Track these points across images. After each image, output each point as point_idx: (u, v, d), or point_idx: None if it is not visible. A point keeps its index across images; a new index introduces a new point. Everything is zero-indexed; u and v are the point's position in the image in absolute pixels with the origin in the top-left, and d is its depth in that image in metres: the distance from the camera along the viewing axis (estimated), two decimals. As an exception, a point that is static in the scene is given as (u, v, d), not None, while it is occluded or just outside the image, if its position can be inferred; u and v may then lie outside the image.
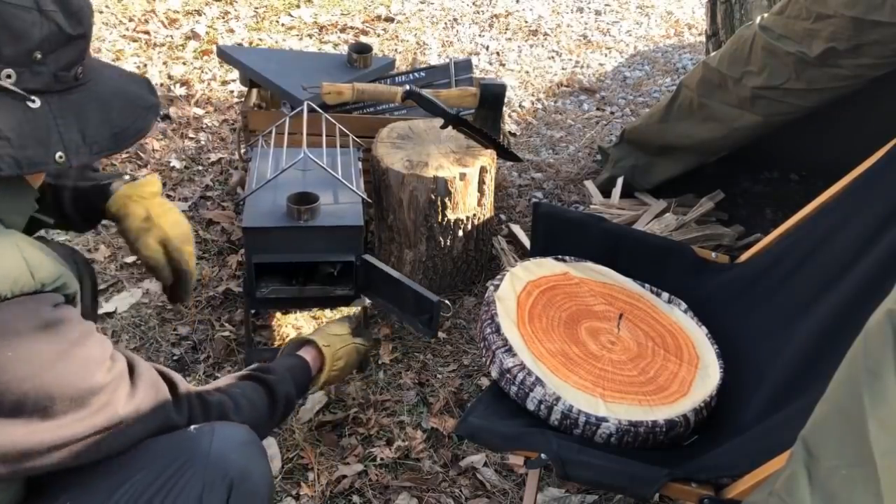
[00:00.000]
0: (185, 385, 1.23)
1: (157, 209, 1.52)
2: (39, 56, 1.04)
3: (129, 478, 1.14)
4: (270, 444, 1.84)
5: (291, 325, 2.20)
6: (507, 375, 1.51)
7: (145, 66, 3.38)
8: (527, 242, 2.45)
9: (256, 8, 3.95)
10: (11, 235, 1.04)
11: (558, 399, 1.45)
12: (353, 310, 2.15)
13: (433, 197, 2.12)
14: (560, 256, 1.83)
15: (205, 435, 1.19)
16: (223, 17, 3.85)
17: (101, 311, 2.21)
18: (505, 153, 2.25)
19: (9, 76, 1.03)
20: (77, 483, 1.16)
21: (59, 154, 1.07)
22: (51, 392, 1.01)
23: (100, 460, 1.12)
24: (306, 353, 1.58)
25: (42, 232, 1.43)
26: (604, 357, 1.61)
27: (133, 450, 1.15)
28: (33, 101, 1.05)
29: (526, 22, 4.08)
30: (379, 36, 3.82)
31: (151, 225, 1.52)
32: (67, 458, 1.07)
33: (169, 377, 1.22)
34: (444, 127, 2.14)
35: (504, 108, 2.33)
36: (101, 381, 1.07)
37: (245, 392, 1.35)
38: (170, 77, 3.32)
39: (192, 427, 1.21)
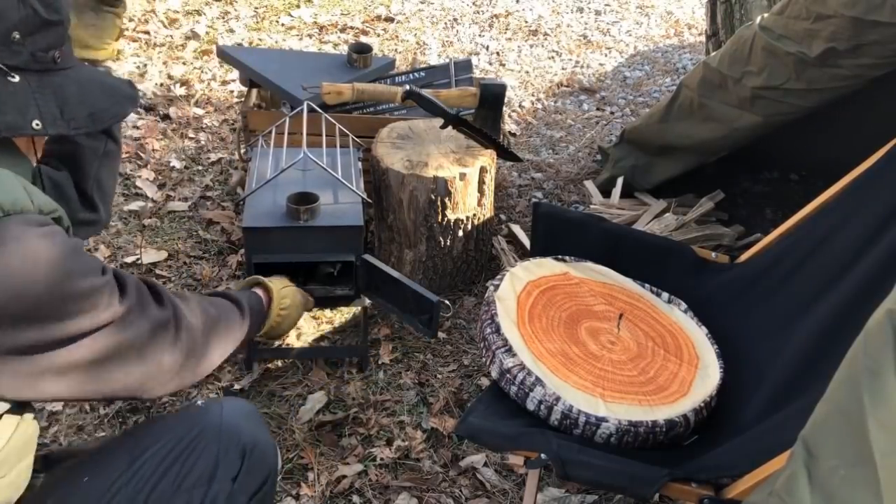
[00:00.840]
0: (162, 287, 1.30)
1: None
2: (18, 36, 1.15)
3: (147, 449, 1.23)
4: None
5: (291, 325, 2.20)
6: (507, 375, 1.51)
7: (145, 66, 3.38)
8: (527, 242, 2.45)
9: (256, 8, 3.95)
10: (11, 172, 1.12)
11: (558, 399, 1.45)
12: (354, 310, 2.16)
13: (433, 197, 2.12)
14: (560, 256, 1.83)
15: (214, 407, 1.30)
16: (223, 17, 3.84)
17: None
18: (505, 153, 2.25)
19: None
20: (95, 460, 1.25)
21: (35, 122, 1.17)
22: (60, 292, 1.08)
23: (119, 378, 1.18)
24: (259, 291, 1.66)
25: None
26: (604, 357, 1.61)
27: (148, 423, 1.27)
28: (13, 77, 1.15)
29: (526, 22, 4.08)
30: (379, 36, 3.82)
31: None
32: (82, 356, 1.13)
33: (148, 281, 1.28)
34: (444, 127, 2.14)
35: (504, 108, 2.33)
36: (99, 282, 1.13)
37: (216, 298, 1.47)
38: (170, 77, 3.32)
39: (201, 402, 1.32)
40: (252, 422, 1.33)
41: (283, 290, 1.71)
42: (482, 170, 2.17)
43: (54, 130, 1.19)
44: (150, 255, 2.38)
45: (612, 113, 3.37)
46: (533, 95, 3.48)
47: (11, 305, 1.04)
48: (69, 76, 1.24)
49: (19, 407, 1.12)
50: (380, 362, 2.11)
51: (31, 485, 1.20)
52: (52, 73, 1.21)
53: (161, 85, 3.27)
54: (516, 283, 1.69)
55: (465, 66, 2.63)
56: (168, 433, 1.25)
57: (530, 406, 1.49)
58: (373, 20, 3.95)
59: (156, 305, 1.25)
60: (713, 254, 1.93)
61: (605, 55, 3.85)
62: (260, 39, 3.69)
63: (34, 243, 1.06)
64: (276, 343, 2.13)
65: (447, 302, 1.81)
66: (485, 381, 2.06)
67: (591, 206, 2.65)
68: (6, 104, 1.15)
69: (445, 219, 2.17)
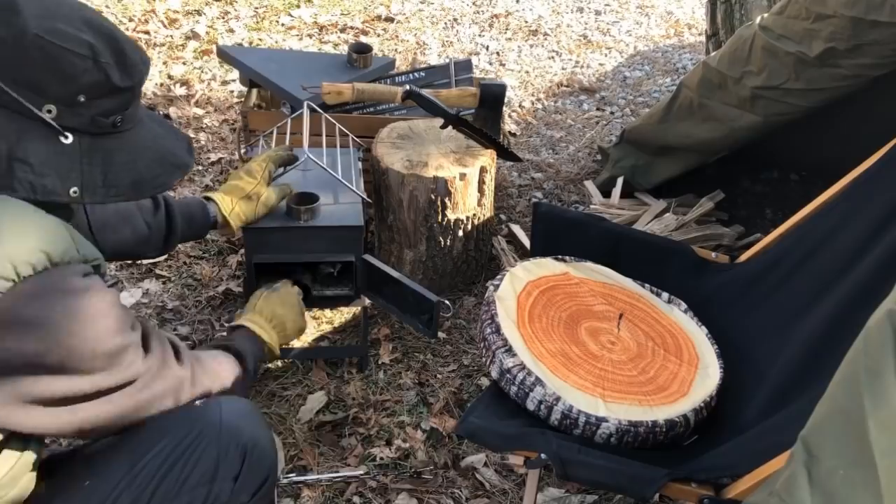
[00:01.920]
0: (182, 346, 1.35)
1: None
2: (83, 99, 1.13)
3: (147, 451, 1.24)
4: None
5: (291, 325, 2.20)
6: (507, 375, 1.51)
7: (145, 66, 3.38)
8: (527, 242, 2.45)
9: (256, 8, 3.95)
10: (60, 220, 1.14)
11: (558, 399, 1.45)
12: (354, 310, 2.16)
13: (433, 197, 2.12)
14: (560, 256, 1.83)
15: (213, 407, 1.30)
16: (223, 17, 3.84)
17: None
18: (505, 153, 2.25)
19: (49, 111, 1.11)
20: (96, 463, 1.26)
21: (73, 189, 1.15)
22: (93, 348, 1.11)
23: (124, 424, 1.22)
24: (241, 329, 1.68)
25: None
26: (604, 357, 1.61)
27: (148, 426, 1.25)
28: (66, 137, 1.13)
29: (526, 22, 4.08)
30: (379, 36, 3.82)
31: None
32: (104, 410, 1.17)
33: (171, 340, 1.33)
34: (444, 127, 2.14)
35: (504, 108, 2.33)
36: (125, 341, 1.16)
37: (220, 352, 1.50)
38: (170, 77, 3.33)
39: (199, 402, 1.31)
40: (251, 420, 1.33)
41: (256, 305, 1.72)
42: (482, 170, 2.17)
43: (91, 199, 1.18)
44: (150, 255, 2.38)
45: (612, 113, 3.37)
46: (533, 95, 3.48)
47: (46, 355, 1.07)
48: (125, 139, 1.21)
49: (19, 440, 1.15)
50: (380, 362, 2.11)
51: (33, 492, 1.20)
52: (107, 137, 1.19)
53: (161, 85, 3.27)
54: (516, 283, 1.69)
55: (465, 66, 2.63)
56: (168, 435, 1.25)
57: (530, 406, 1.49)
58: (373, 20, 3.95)
59: (177, 364, 1.30)
60: (713, 254, 1.93)
61: (605, 55, 3.85)
62: (260, 39, 3.69)
63: (76, 297, 1.10)
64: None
65: (447, 302, 1.81)
66: (485, 381, 2.06)
67: (591, 206, 2.65)
68: (50, 166, 1.12)
69: (445, 219, 2.17)
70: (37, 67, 1.09)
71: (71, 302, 1.09)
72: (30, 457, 1.17)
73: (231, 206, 1.78)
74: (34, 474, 1.19)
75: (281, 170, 1.93)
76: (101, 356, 1.13)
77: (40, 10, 1.10)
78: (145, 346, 1.23)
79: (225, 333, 1.75)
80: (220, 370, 1.44)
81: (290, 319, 1.74)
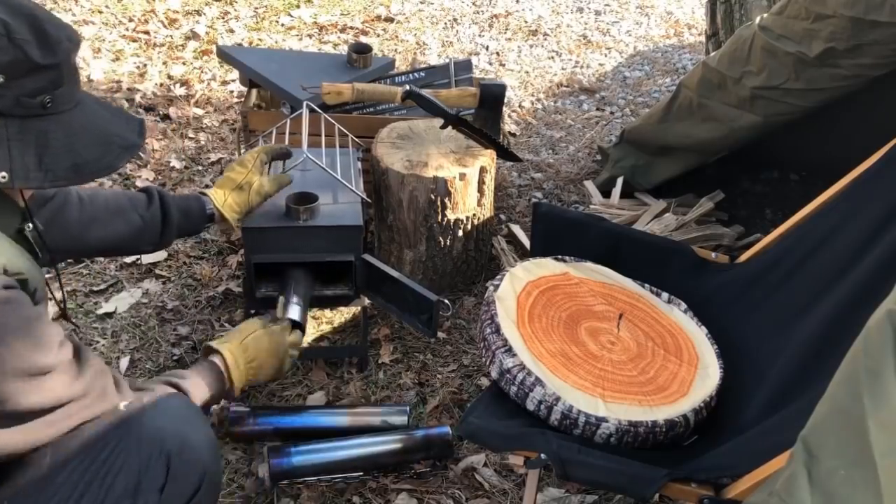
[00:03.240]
0: (119, 375, 1.27)
1: None
2: (2, 79, 1.08)
3: (64, 468, 1.16)
4: (270, 444, 1.84)
5: (291, 325, 2.20)
6: (507, 375, 1.51)
7: (145, 66, 3.38)
8: (527, 242, 2.45)
9: (256, 8, 3.95)
10: None
11: (558, 399, 1.45)
12: (354, 310, 2.15)
13: (433, 197, 2.12)
14: (560, 256, 1.83)
15: (135, 411, 1.21)
16: (223, 17, 3.85)
17: (100, 312, 2.21)
18: (505, 153, 2.25)
19: None
20: (12, 481, 1.17)
21: (2, 174, 1.10)
22: (10, 368, 1.04)
23: (45, 444, 1.14)
24: (215, 358, 1.56)
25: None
26: (604, 357, 1.61)
27: (62, 441, 1.17)
28: None
29: (526, 22, 4.08)
30: (379, 36, 3.82)
31: None
32: (18, 437, 1.10)
33: (112, 373, 1.25)
34: (443, 127, 2.14)
35: (504, 109, 2.33)
36: (48, 362, 1.10)
37: (162, 389, 1.37)
38: (170, 77, 3.33)
39: (122, 404, 1.22)
40: (180, 421, 1.23)
41: (245, 341, 1.60)
42: (482, 170, 2.17)
43: (23, 184, 1.12)
44: (149, 256, 2.38)
45: (611, 113, 3.37)
46: (533, 95, 3.48)
47: None
48: (61, 121, 1.16)
49: None
50: (380, 362, 2.11)
51: None
52: (39, 119, 1.13)
53: (161, 85, 3.27)
54: (516, 284, 1.69)
55: (464, 66, 2.63)
56: (87, 448, 1.17)
57: (530, 406, 1.49)
58: (373, 20, 3.95)
59: (115, 394, 1.23)
60: (713, 254, 1.92)
61: (605, 55, 3.85)
62: (260, 39, 3.69)
63: None
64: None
65: (447, 301, 1.81)
66: (485, 381, 2.06)
67: (591, 206, 2.65)
68: None
69: (445, 219, 2.17)
70: None
71: None
72: None
73: (224, 198, 1.76)
74: None
75: (280, 164, 1.93)
76: (16, 375, 1.06)
77: None
78: (80, 368, 1.16)
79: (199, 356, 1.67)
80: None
81: (268, 367, 1.64)
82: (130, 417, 1.20)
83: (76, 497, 1.15)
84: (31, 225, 1.27)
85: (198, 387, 1.44)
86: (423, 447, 1.82)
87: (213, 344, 1.58)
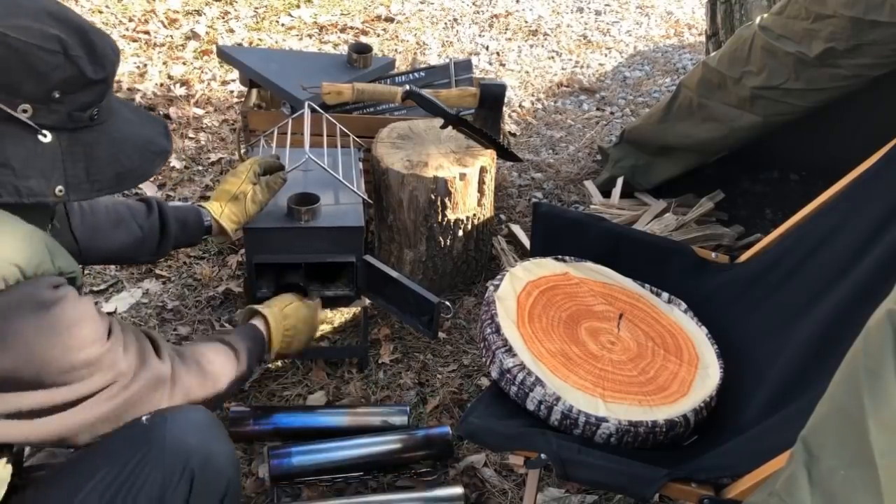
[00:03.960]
0: (163, 341, 1.33)
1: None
2: (57, 95, 1.10)
3: (90, 477, 1.18)
4: (270, 444, 1.85)
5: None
6: (507, 375, 1.51)
7: (145, 66, 3.38)
8: (527, 242, 2.45)
9: (256, 8, 3.95)
10: (37, 229, 1.12)
11: (558, 399, 1.45)
12: (354, 310, 2.15)
13: (433, 197, 2.12)
14: (560, 256, 1.83)
15: (158, 425, 1.22)
16: (223, 17, 3.85)
17: (101, 312, 2.21)
18: (505, 153, 2.25)
19: (25, 110, 1.09)
20: (36, 497, 1.20)
21: (59, 188, 1.13)
22: (70, 361, 1.10)
23: (106, 428, 1.19)
24: (257, 322, 1.69)
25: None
26: (604, 357, 1.61)
27: (90, 452, 1.20)
28: (45, 136, 1.11)
29: (526, 22, 4.08)
30: (379, 36, 3.82)
31: None
32: (84, 416, 1.15)
33: (150, 336, 1.31)
34: (444, 127, 2.14)
35: (504, 108, 2.33)
36: (101, 349, 1.14)
37: (211, 347, 1.46)
38: (170, 77, 3.33)
39: (144, 418, 1.24)
40: (203, 436, 1.25)
41: (285, 309, 1.73)
42: (482, 170, 2.17)
43: (77, 197, 1.15)
44: (150, 256, 2.38)
45: (612, 113, 3.37)
46: (533, 95, 3.48)
47: (22, 370, 1.06)
48: (104, 131, 1.18)
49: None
50: (380, 362, 2.11)
51: None
52: (86, 131, 1.16)
53: (161, 85, 3.27)
54: (516, 283, 1.69)
55: (465, 66, 2.63)
56: (109, 462, 1.19)
57: (530, 406, 1.49)
58: (373, 20, 3.95)
59: (157, 360, 1.27)
60: (713, 254, 1.93)
61: (605, 55, 3.85)
62: (260, 39, 3.69)
63: (47, 310, 1.07)
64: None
65: (447, 303, 1.81)
66: (485, 381, 2.06)
67: (591, 206, 2.65)
68: (32, 167, 1.10)
69: (445, 219, 2.17)
70: (7, 67, 1.06)
71: (43, 315, 1.07)
72: (4, 474, 1.16)
73: (220, 210, 1.77)
74: (0, 496, 1.17)
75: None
76: (76, 367, 1.11)
77: (2, 9, 1.07)
78: (125, 347, 1.20)
79: (237, 318, 1.72)
80: (211, 366, 1.41)
81: (303, 336, 1.76)
82: (154, 429, 1.22)
83: None
84: (55, 223, 1.31)
85: (244, 350, 1.53)
86: (423, 447, 1.82)
87: (258, 307, 1.69)
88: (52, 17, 1.11)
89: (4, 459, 1.16)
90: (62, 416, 1.13)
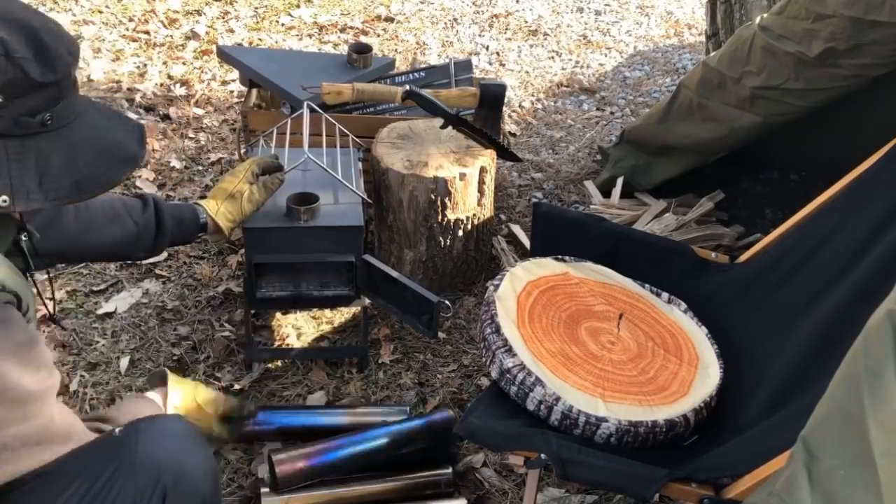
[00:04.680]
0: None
1: None
2: (0, 100, 1.04)
3: (63, 490, 1.12)
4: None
5: (291, 324, 2.20)
6: (507, 375, 1.51)
7: (145, 66, 3.38)
8: (527, 242, 2.45)
9: (256, 8, 3.95)
10: None
11: (558, 399, 1.45)
12: (354, 310, 2.15)
13: (433, 197, 2.12)
14: (560, 256, 1.83)
15: (129, 437, 1.16)
16: (223, 17, 3.84)
17: (101, 312, 2.21)
18: (505, 153, 2.25)
19: None
20: (12, 499, 1.12)
21: (2, 198, 1.06)
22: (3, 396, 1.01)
23: (24, 477, 1.09)
24: (158, 392, 1.48)
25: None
26: (604, 357, 1.61)
27: (59, 468, 1.12)
28: None
29: (526, 22, 4.08)
30: (379, 36, 3.82)
31: None
32: (12, 468, 1.06)
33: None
34: (444, 127, 2.14)
35: (504, 108, 2.32)
36: (35, 387, 1.06)
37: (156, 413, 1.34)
38: (170, 77, 3.32)
39: (117, 430, 1.18)
40: (175, 447, 1.18)
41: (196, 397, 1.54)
42: (482, 170, 2.17)
43: (25, 206, 1.08)
44: (150, 256, 2.38)
45: (612, 113, 3.37)
46: (533, 95, 3.48)
47: None
48: (61, 136, 1.12)
49: None
50: (380, 362, 2.11)
51: None
52: (38, 137, 1.09)
53: (161, 85, 3.27)
54: (516, 283, 1.69)
55: (465, 66, 2.63)
56: (79, 478, 1.12)
57: (530, 406, 1.49)
58: (373, 20, 3.95)
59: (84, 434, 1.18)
60: (713, 254, 1.93)
61: (605, 55, 3.85)
62: (260, 39, 3.69)
63: None
64: (276, 343, 2.13)
65: (447, 302, 1.81)
66: (485, 381, 2.06)
67: (591, 206, 2.65)
68: None
69: (445, 219, 2.17)
70: None
71: None
72: None
73: (216, 208, 1.76)
74: None
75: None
76: (13, 403, 1.03)
77: None
78: (58, 399, 1.12)
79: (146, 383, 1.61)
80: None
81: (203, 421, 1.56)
82: (125, 443, 1.16)
83: None
84: (25, 235, 1.25)
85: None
86: (425, 435, 1.79)
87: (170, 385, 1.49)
88: (0, 19, 1.04)
89: None
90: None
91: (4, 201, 1.07)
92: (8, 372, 1.02)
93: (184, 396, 1.48)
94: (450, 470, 1.75)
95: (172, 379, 1.49)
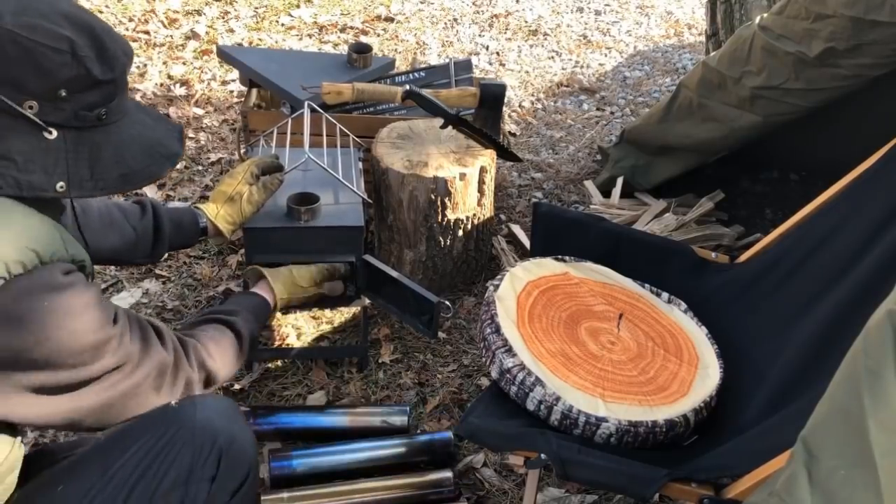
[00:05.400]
0: (167, 330, 1.36)
1: None
2: (64, 94, 1.13)
3: (120, 456, 1.23)
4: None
5: (291, 324, 2.20)
6: (507, 375, 1.51)
7: (145, 66, 3.38)
8: (527, 242, 2.45)
9: (256, 8, 3.95)
10: (50, 220, 1.15)
11: (558, 399, 1.45)
12: (354, 310, 2.15)
13: (433, 197, 2.12)
14: (560, 256, 1.83)
15: (188, 407, 1.29)
16: (223, 17, 3.85)
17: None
18: (505, 153, 2.25)
19: (31, 107, 1.11)
20: (70, 469, 1.25)
21: (60, 184, 1.15)
22: (78, 343, 1.14)
23: (112, 415, 1.24)
24: (263, 286, 1.74)
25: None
26: (604, 357, 1.61)
27: (122, 430, 1.26)
28: (50, 133, 1.14)
29: (526, 22, 4.08)
30: (379, 36, 3.82)
31: None
32: (90, 399, 1.19)
33: (154, 325, 1.33)
34: (443, 127, 2.14)
35: (504, 108, 2.32)
36: (107, 334, 1.18)
37: (212, 335, 1.47)
38: (170, 77, 3.33)
39: (174, 402, 1.30)
40: (228, 419, 1.31)
41: (294, 274, 1.78)
42: (482, 170, 2.17)
43: (78, 194, 1.18)
44: (150, 256, 2.38)
45: (612, 113, 3.37)
46: (533, 95, 3.48)
47: (32, 350, 1.09)
48: (111, 131, 1.21)
49: (10, 428, 1.16)
50: (380, 362, 2.11)
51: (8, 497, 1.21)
52: (93, 130, 1.18)
53: (161, 85, 3.27)
54: (516, 283, 1.69)
55: (465, 66, 2.63)
56: (141, 438, 1.24)
57: (530, 406, 1.49)
58: (373, 20, 3.95)
59: (160, 347, 1.30)
60: (713, 254, 1.93)
61: (605, 55, 3.85)
62: (260, 39, 3.69)
63: (60, 294, 1.11)
64: (276, 343, 2.13)
65: (447, 303, 1.81)
66: (485, 381, 2.06)
67: (591, 206, 2.65)
68: (35, 162, 1.13)
69: (445, 219, 2.17)
70: (14, 63, 1.09)
71: (55, 298, 1.10)
72: (18, 453, 1.19)
73: (216, 211, 1.77)
74: (16, 475, 1.20)
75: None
76: (83, 350, 1.15)
77: (16, 7, 1.10)
78: (129, 335, 1.24)
79: (248, 277, 1.79)
80: (211, 361, 1.42)
81: (301, 296, 1.80)
82: (184, 410, 1.28)
83: (132, 483, 1.22)
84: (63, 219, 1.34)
85: (248, 334, 1.54)
86: (424, 451, 1.81)
87: (266, 274, 1.74)
88: (64, 18, 1.13)
89: (19, 439, 1.19)
90: (67, 398, 1.16)
91: (62, 187, 1.15)
92: (79, 329, 1.14)
93: (285, 283, 1.76)
94: (450, 474, 1.75)
95: (268, 273, 1.75)
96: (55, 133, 1.14)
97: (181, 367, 1.34)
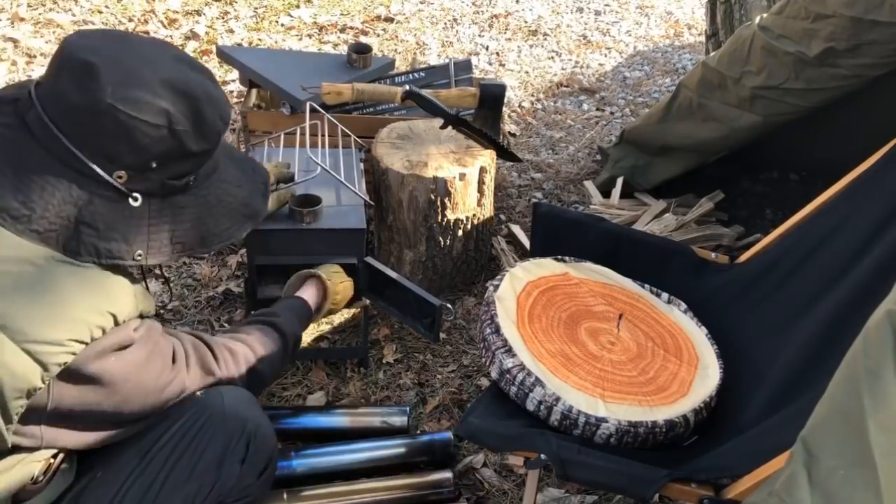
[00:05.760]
0: (215, 343, 1.41)
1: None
2: (155, 165, 1.13)
3: (157, 440, 1.30)
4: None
5: (291, 325, 2.20)
6: (507, 376, 1.51)
7: (145, 66, 3.38)
8: (527, 242, 2.45)
9: (256, 8, 3.95)
10: (127, 281, 1.19)
11: (558, 399, 1.45)
12: (354, 310, 2.15)
13: (433, 197, 2.12)
14: (560, 257, 1.83)
15: (215, 396, 1.35)
16: (223, 17, 3.84)
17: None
18: (505, 153, 2.25)
19: (120, 177, 1.13)
20: (108, 454, 1.29)
21: (138, 252, 1.17)
22: (143, 391, 1.22)
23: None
24: (306, 290, 1.76)
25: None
26: (603, 357, 1.61)
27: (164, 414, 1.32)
28: (135, 200, 1.15)
29: (526, 22, 4.08)
30: (379, 36, 3.82)
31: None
32: (139, 425, 1.27)
33: (205, 340, 1.39)
34: (443, 127, 2.14)
35: (504, 109, 2.32)
36: (168, 378, 1.27)
37: (258, 337, 1.51)
38: (170, 77, 3.32)
39: (199, 393, 1.36)
40: (252, 408, 1.39)
41: (338, 286, 1.81)
42: (482, 170, 2.17)
43: (155, 261, 1.19)
44: (150, 256, 2.38)
45: (611, 113, 3.37)
46: (533, 95, 3.48)
47: (102, 404, 1.16)
48: (197, 195, 1.22)
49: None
50: (380, 362, 2.11)
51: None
52: (178, 195, 1.20)
53: (161, 85, 3.26)
54: (516, 284, 1.69)
55: (464, 66, 2.63)
56: (176, 424, 1.31)
57: (530, 406, 1.49)
58: (373, 20, 3.95)
59: (216, 368, 1.37)
60: (713, 254, 1.93)
61: (605, 55, 3.85)
62: (260, 39, 3.69)
63: (131, 351, 1.17)
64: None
65: (449, 305, 1.81)
66: (485, 382, 2.06)
67: (591, 207, 2.65)
68: (116, 230, 1.14)
69: (445, 219, 2.17)
70: (110, 137, 1.10)
71: (123, 355, 1.16)
72: (71, 472, 1.26)
73: None
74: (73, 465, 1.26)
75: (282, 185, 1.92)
76: (148, 395, 1.23)
77: (119, 77, 1.10)
78: (187, 367, 1.31)
79: (291, 280, 1.81)
80: (260, 366, 1.48)
81: (340, 306, 1.86)
82: (212, 399, 1.35)
83: (169, 466, 1.28)
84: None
85: (292, 338, 1.60)
86: (425, 452, 1.81)
87: (321, 273, 1.78)
88: (167, 87, 1.13)
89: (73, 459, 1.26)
90: (123, 431, 1.24)
91: (139, 255, 1.17)
92: (150, 374, 1.23)
93: (330, 290, 1.78)
94: (450, 474, 1.75)
95: (328, 283, 1.78)
96: (140, 200, 1.15)
97: (231, 380, 1.40)
